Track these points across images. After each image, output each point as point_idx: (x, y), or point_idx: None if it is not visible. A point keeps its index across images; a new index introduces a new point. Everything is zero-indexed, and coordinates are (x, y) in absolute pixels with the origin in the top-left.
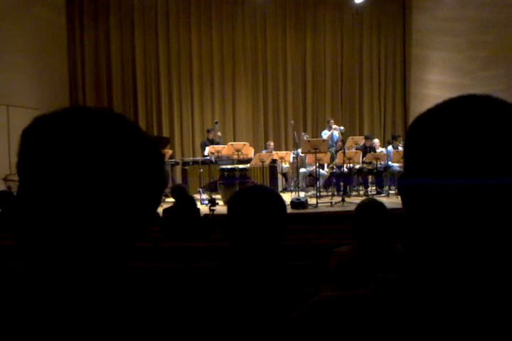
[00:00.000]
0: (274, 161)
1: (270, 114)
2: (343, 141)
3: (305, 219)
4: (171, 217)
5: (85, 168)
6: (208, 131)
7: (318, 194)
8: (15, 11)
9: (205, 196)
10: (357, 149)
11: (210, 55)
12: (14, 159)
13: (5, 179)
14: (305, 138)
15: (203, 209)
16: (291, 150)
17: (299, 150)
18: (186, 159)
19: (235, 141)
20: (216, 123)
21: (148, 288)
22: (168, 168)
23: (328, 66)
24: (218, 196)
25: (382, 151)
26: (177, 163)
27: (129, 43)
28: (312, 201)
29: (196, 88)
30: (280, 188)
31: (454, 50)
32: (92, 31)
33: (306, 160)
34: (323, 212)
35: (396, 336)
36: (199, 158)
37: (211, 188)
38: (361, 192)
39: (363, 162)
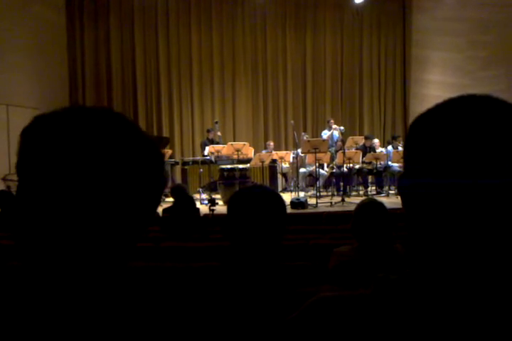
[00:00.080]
0: (273, 161)
1: (270, 113)
2: (343, 141)
3: (305, 219)
4: (171, 216)
5: (85, 168)
6: (208, 131)
7: (318, 194)
8: (15, 11)
9: (204, 196)
10: (357, 149)
11: (210, 55)
12: (14, 159)
13: (4, 179)
14: (305, 138)
15: (203, 209)
16: (291, 150)
17: (299, 150)
18: (186, 159)
19: (234, 141)
20: (216, 123)
21: (148, 288)
22: (167, 168)
23: (328, 66)
24: (218, 196)
25: (382, 151)
26: (177, 163)
27: (129, 43)
28: (312, 201)
29: (196, 88)
30: (280, 188)
31: (454, 50)
32: (92, 31)
33: (306, 160)
34: (323, 212)
35: (396, 336)
36: (199, 157)
37: (211, 188)
38: (361, 192)
39: (363, 162)
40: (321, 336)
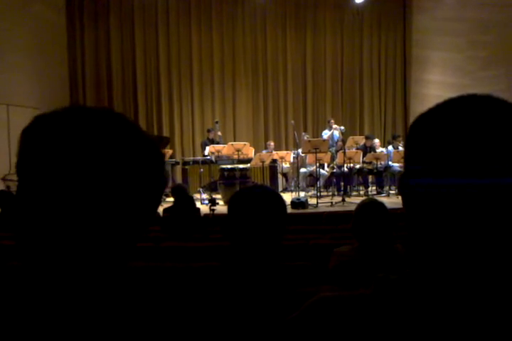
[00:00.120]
0: (274, 161)
1: (270, 113)
2: (344, 141)
3: (305, 219)
4: (171, 216)
5: (85, 168)
6: (208, 131)
7: (318, 194)
8: (15, 11)
9: (205, 196)
10: (357, 149)
11: (211, 55)
12: (14, 158)
13: (3, 179)
14: (305, 138)
15: (204, 209)
16: (291, 150)
17: (300, 150)
18: (186, 159)
19: (235, 141)
20: (216, 122)
21: (148, 288)
22: (168, 168)
23: (329, 66)
24: (218, 196)
25: (382, 151)
26: (177, 163)
27: (129, 43)
28: (312, 201)
29: (196, 88)
30: (280, 188)
31: (454, 50)
32: (92, 31)
33: (307, 160)
34: (324, 212)
35: (396, 336)
36: (199, 157)
37: (211, 188)
38: (361, 192)
39: (364, 162)
40: (321, 336)
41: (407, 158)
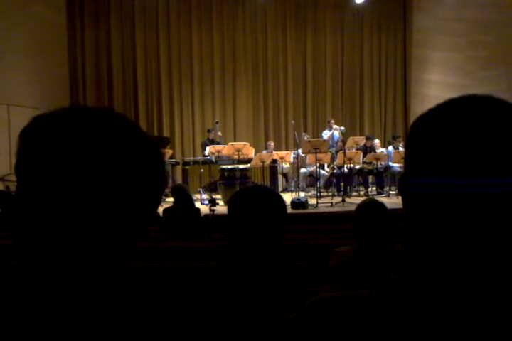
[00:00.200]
0: (274, 161)
1: (271, 114)
2: (344, 141)
3: (305, 220)
4: (171, 216)
5: (85, 168)
6: (209, 131)
7: (318, 194)
8: (15, 11)
9: (205, 196)
10: (357, 149)
11: (211, 55)
12: (15, 159)
13: (2, 179)
14: (305, 138)
15: (204, 209)
16: (291, 151)
17: (300, 151)
18: (187, 159)
19: (235, 141)
20: (217, 123)
21: (148, 288)
22: (168, 168)
23: (329, 66)
24: (218, 196)
25: (382, 151)
26: (177, 163)
27: (129, 43)
28: (312, 201)
29: (197, 88)
30: (280, 188)
31: (454, 50)
32: (93, 31)
33: (307, 161)
34: (324, 212)
35: (396, 336)
36: (199, 157)
37: (211, 188)
38: (361, 193)
39: (364, 162)
40: (321, 336)
41: (408, 158)
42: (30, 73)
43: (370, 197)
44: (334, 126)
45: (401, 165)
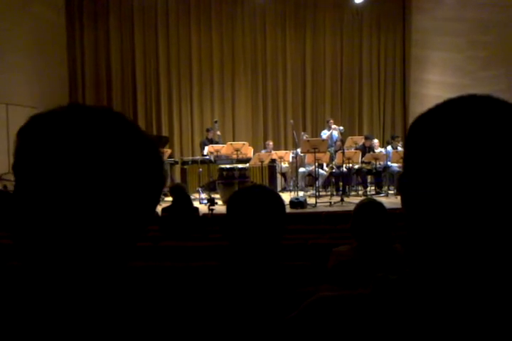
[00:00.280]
0: (273, 161)
1: (270, 113)
2: (343, 141)
3: (304, 219)
4: (170, 216)
5: (83, 167)
6: (208, 131)
7: (317, 194)
8: (15, 11)
9: (204, 195)
10: (356, 149)
11: (210, 55)
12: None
13: (0, 178)
14: (304, 137)
15: (202, 208)
16: (290, 150)
17: (298, 150)
18: (185, 158)
19: (234, 141)
20: (215, 122)
21: (147, 288)
22: (167, 167)
23: (328, 66)
24: (217, 195)
25: (381, 151)
26: (176, 163)
27: (128, 43)
28: (311, 201)
29: (196, 87)
30: (279, 188)
31: (454, 50)
32: (92, 31)
33: (306, 160)
34: (322, 212)
35: (395, 336)
36: (198, 157)
37: (210, 188)
38: (360, 192)
39: (362, 162)
40: (320, 335)
41: (407, 158)
42: (30, 73)
43: (369, 196)
44: (333, 126)
45: (400, 164)
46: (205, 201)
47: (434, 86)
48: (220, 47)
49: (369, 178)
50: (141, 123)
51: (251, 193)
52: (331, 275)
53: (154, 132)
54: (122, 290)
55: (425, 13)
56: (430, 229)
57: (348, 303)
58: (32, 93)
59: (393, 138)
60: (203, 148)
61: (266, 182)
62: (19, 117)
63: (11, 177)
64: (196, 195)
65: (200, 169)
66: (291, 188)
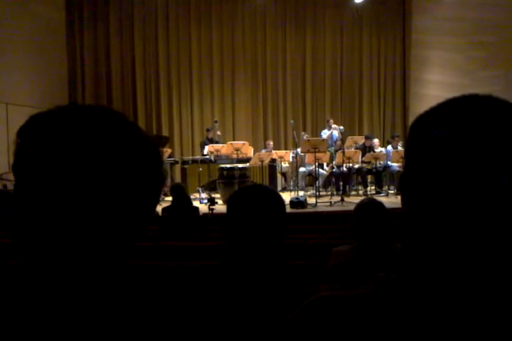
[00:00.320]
0: (273, 160)
1: (270, 113)
2: (343, 141)
3: (304, 219)
4: (170, 215)
5: (83, 167)
6: (208, 130)
7: (317, 193)
8: (14, 10)
9: (204, 195)
10: (356, 149)
11: (210, 55)
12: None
13: (0, 177)
14: (304, 137)
15: (203, 208)
16: (290, 150)
17: (299, 150)
18: (185, 158)
19: (234, 140)
20: (216, 122)
21: (147, 287)
22: (167, 167)
23: (328, 65)
24: (217, 195)
25: (381, 151)
26: (176, 162)
27: (128, 42)
28: (311, 200)
29: (196, 87)
30: (279, 187)
31: (454, 50)
32: (92, 30)
33: (306, 160)
34: (323, 212)
35: (395, 335)
36: (198, 157)
37: (210, 187)
38: (360, 192)
39: (363, 161)
40: (321, 335)
41: (407, 157)
42: (29, 72)
43: (369, 196)
44: (333, 126)
45: (400, 164)
46: (206, 201)
47: (434, 86)
48: (220, 47)
49: (369, 178)
50: (141, 123)
51: (251, 193)
52: (331, 275)
53: (154, 132)
54: (122, 290)
55: (425, 12)
56: (430, 228)
57: (349, 303)
58: (32, 92)
59: (393, 137)
60: (203, 148)
61: (266, 182)
62: (19, 117)
63: (11, 177)
64: (196, 195)
65: (200, 169)
66: (291, 188)
